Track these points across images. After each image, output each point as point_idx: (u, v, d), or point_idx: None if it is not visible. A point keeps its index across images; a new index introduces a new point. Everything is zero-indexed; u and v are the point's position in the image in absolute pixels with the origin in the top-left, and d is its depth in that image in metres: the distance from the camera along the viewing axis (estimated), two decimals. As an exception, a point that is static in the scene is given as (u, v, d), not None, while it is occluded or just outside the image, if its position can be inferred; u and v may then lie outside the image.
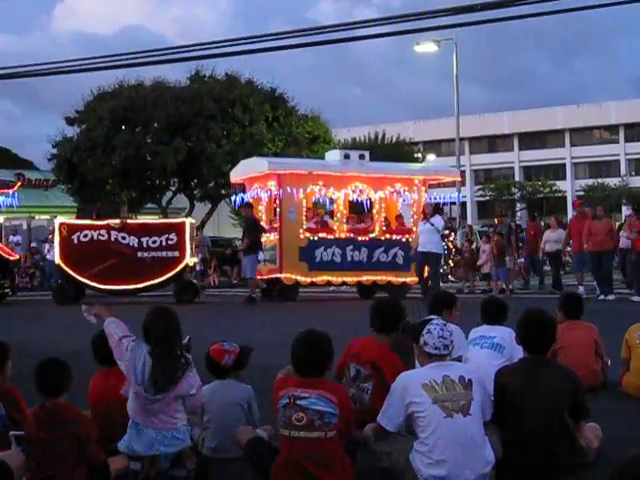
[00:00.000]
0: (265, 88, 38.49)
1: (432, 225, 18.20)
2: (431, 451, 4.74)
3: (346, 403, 4.90)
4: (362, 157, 21.12)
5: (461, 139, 39.44)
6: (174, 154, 34.79)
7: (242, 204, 20.92)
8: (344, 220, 20.35)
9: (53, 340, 11.76)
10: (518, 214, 68.37)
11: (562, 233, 21.36)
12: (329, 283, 20.31)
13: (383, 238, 20.34)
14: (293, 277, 19.54)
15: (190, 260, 19.72)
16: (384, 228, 20.58)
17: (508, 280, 22.05)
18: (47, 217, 38.27)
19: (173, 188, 39.00)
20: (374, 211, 20.86)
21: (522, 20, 12.41)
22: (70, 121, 39.15)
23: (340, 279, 20.15)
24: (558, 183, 78.22)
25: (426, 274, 18.67)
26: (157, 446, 5.02)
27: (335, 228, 20.18)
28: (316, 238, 19.81)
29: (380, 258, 20.18)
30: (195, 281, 20.50)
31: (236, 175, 22.03)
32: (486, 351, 6.66)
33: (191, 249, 19.68)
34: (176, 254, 19.33)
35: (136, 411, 5.08)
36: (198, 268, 24.68)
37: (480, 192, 76.48)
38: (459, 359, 6.37)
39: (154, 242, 19.27)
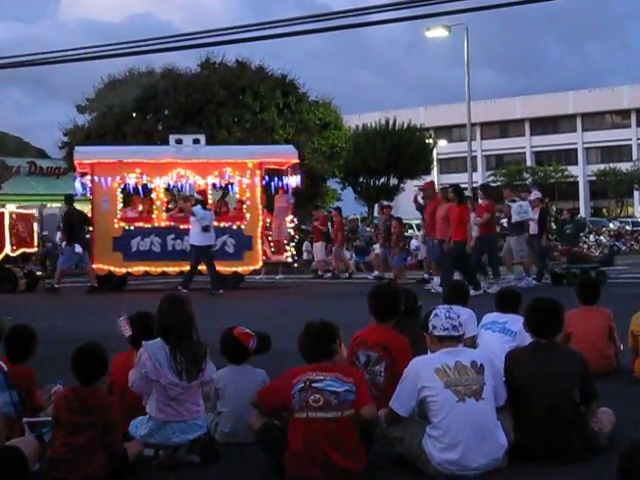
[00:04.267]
0: (276, 74, 38.37)
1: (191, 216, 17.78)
2: (444, 435, 4.76)
3: (361, 379, 4.99)
4: (197, 142, 19.96)
5: (472, 124, 39.32)
6: (185, 141, 34.80)
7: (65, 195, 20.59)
8: (164, 208, 19.61)
9: (73, 326, 11.91)
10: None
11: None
12: (147, 273, 19.18)
13: None
14: (106, 267, 18.77)
15: (10, 250, 19.17)
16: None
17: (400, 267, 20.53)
18: (59, 205, 38.34)
19: (184, 175, 38.95)
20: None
21: (534, 4, 12.38)
22: (81, 109, 39.19)
23: (160, 269, 19.08)
24: (570, 168, 77.82)
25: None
26: (177, 434, 5.09)
27: (154, 217, 19.28)
28: (132, 227, 18.98)
29: None
30: (18, 272, 19.40)
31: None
32: (497, 334, 6.71)
33: (11, 240, 19.17)
34: None
35: (160, 408, 5.10)
36: None
37: (492, 177, 76.07)
38: (473, 339, 6.39)
39: None
